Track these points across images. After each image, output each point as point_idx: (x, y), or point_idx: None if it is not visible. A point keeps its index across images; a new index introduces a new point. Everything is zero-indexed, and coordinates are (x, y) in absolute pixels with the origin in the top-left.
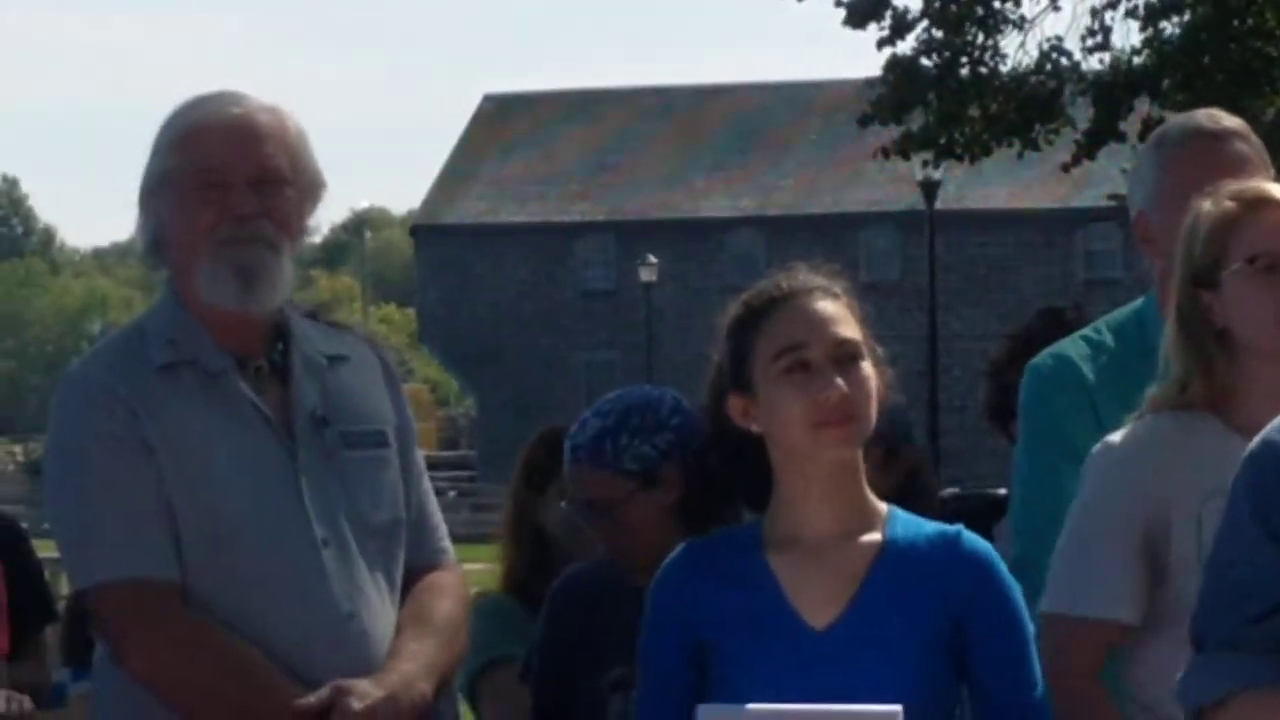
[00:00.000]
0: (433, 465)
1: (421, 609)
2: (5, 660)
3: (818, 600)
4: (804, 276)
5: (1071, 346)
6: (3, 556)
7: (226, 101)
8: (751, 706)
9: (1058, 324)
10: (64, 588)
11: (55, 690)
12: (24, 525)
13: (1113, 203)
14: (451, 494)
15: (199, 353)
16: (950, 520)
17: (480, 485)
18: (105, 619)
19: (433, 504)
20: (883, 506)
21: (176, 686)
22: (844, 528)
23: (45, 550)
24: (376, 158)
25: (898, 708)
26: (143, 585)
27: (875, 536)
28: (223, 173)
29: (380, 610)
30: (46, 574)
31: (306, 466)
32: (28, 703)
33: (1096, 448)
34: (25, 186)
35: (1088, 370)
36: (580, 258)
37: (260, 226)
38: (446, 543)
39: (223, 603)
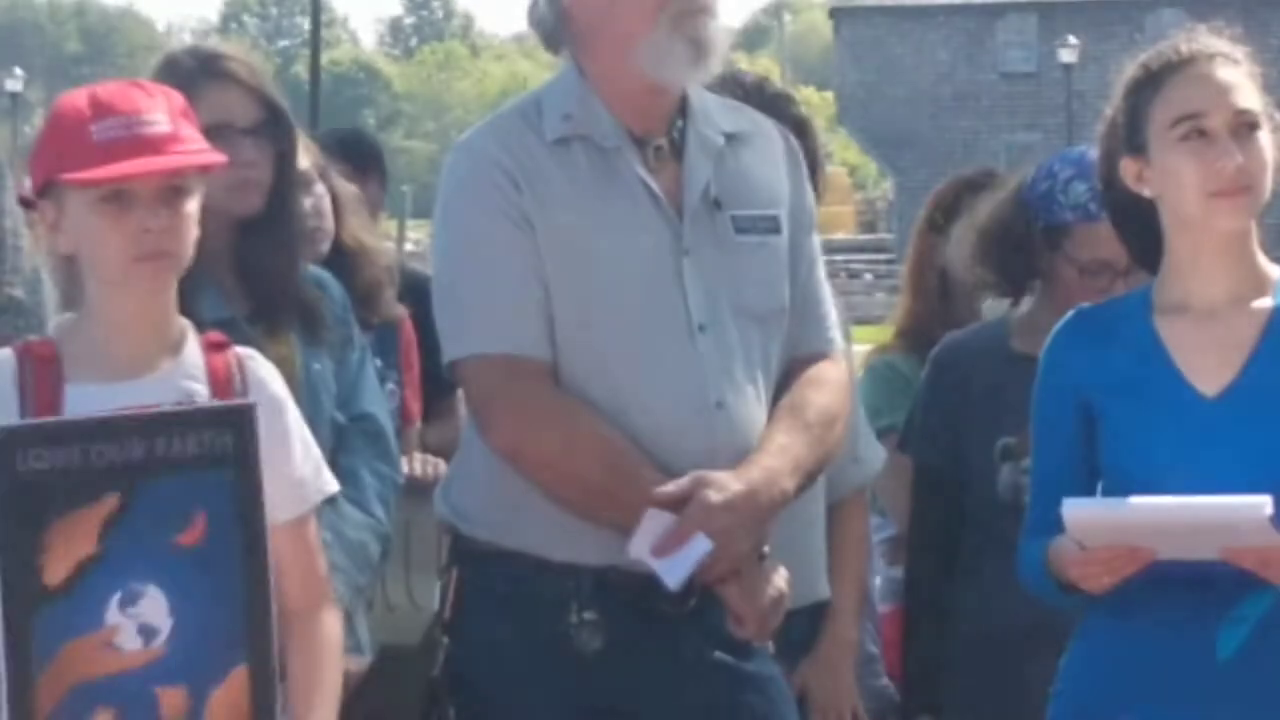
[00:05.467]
0: (850, 248)
1: (797, 401)
2: (418, 424)
3: (1208, 367)
4: (1205, 40)
5: None
6: (420, 320)
7: None
8: (1114, 500)
9: None
10: None
11: None
12: None
13: None
14: (868, 277)
15: (594, 128)
16: None
17: (897, 268)
18: (474, 392)
19: (824, 291)
20: (1275, 272)
21: (538, 463)
22: (1235, 294)
23: None
24: None
25: (1266, 499)
26: (514, 362)
27: (1267, 303)
28: None
29: (753, 401)
30: None
31: (692, 249)
32: (441, 466)
33: None
34: None
35: None
36: (1001, 39)
37: None
38: (835, 332)
39: (592, 383)
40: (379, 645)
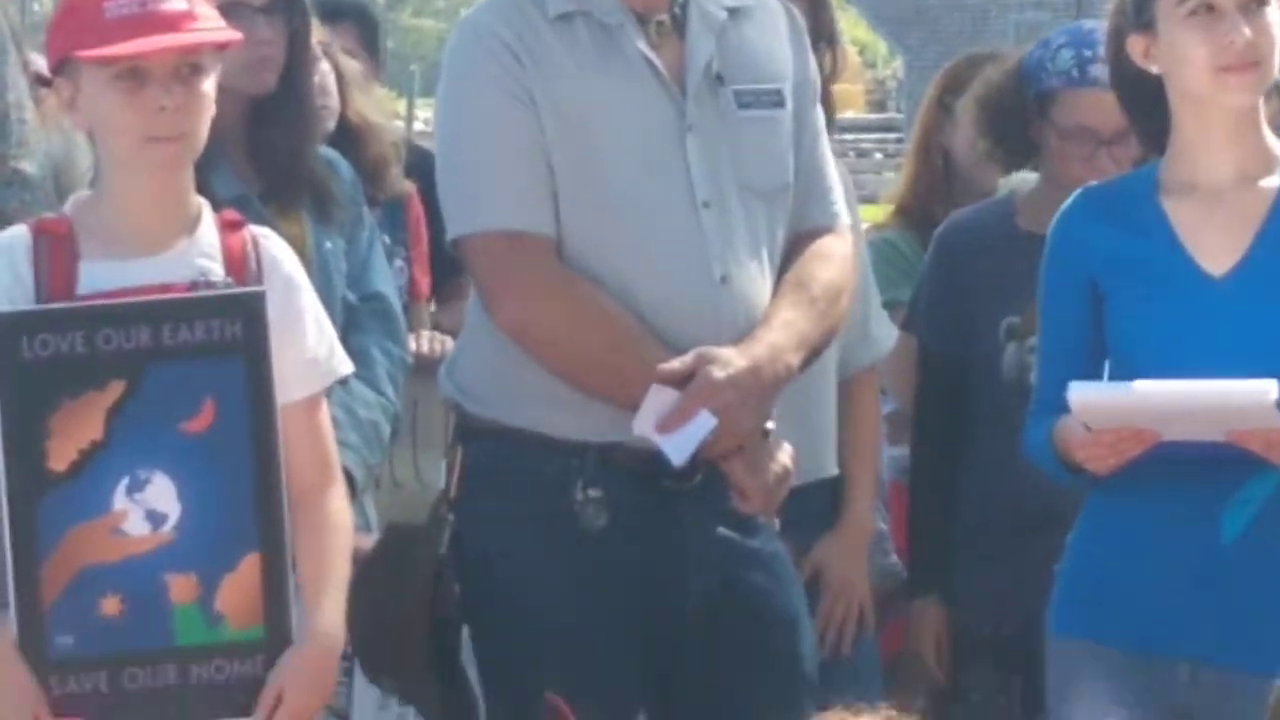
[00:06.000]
0: (859, 127)
1: (802, 276)
2: (428, 303)
3: (1215, 247)
4: None
5: None
6: (429, 199)
7: None
8: (1120, 383)
9: None
10: None
11: None
12: None
13: None
14: (878, 155)
15: (596, 4)
16: None
17: (906, 147)
18: (479, 268)
19: (829, 165)
20: None
21: (543, 339)
22: (1242, 172)
23: None
24: None
25: (1272, 383)
26: (518, 238)
27: (1275, 181)
28: None
29: (757, 276)
30: None
31: (695, 125)
32: (449, 343)
33: None
34: None
35: None
36: None
37: None
38: (840, 206)
39: (596, 259)
40: (386, 523)
